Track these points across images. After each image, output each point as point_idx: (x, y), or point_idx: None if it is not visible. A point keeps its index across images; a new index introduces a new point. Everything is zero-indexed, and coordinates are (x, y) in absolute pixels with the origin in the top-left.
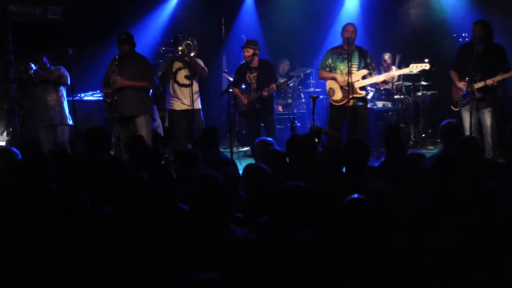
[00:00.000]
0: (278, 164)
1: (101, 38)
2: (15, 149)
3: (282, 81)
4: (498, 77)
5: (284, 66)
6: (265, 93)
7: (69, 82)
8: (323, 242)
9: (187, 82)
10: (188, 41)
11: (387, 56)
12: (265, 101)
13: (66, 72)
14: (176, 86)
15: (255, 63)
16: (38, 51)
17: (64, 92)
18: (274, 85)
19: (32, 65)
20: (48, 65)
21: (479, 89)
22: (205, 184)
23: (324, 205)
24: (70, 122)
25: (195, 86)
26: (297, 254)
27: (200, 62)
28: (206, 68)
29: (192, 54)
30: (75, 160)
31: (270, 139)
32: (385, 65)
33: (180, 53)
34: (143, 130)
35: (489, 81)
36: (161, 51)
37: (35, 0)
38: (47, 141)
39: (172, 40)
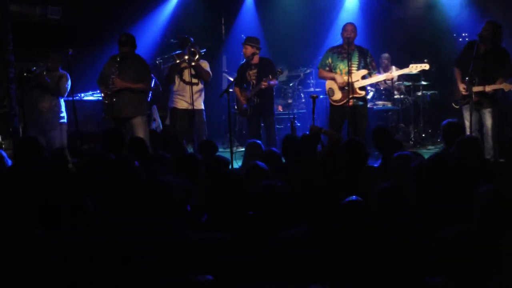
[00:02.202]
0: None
1: (101, 38)
2: (3, 152)
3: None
4: (495, 86)
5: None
6: (264, 84)
7: (65, 93)
8: (314, 241)
9: (192, 80)
10: (193, 49)
11: (386, 56)
12: (264, 97)
13: (69, 81)
14: (181, 83)
15: (255, 60)
16: (54, 52)
17: (60, 99)
18: (270, 75)
19: (34, 69)
20: (60, 68)
21: (476, 93)
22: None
23: (321, 206)
24: (64, 120)
25: (200, 85)
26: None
27: (206, 65)
28: (210, 73)
29: (194, 61)
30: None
31: (259, 142)
32: (383, 64)
33: (186, 60)
34: (140, 130)
35: (487, 88)
36: (170, 41)
37: (35, 0)
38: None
39: (172, 40)
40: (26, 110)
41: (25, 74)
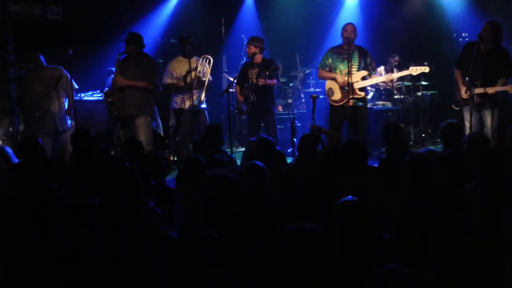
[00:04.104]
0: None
1: (101, 38)
2: (8, 149)
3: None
4: (499, 88)
5: None
6: (261, 80)
7: (75, 85)
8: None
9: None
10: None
11: (395, 58)
12: (262, 96)
13: (65, 71)
14: (183, 86)
15: (258, 60)
16: (33, 50)
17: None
18: (267, 72)
19: None
20: (45, 64)
21: (478, 95)
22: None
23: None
24: (69, 122)
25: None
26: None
27: (207, 72)
28: (211, 79)
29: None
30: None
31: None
32: (391, 64)
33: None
34: (142, 130)
35: (490, 90)
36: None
37: (35, 0)
38: (47, 147)
39: (172, 40)
40: (36, 113)
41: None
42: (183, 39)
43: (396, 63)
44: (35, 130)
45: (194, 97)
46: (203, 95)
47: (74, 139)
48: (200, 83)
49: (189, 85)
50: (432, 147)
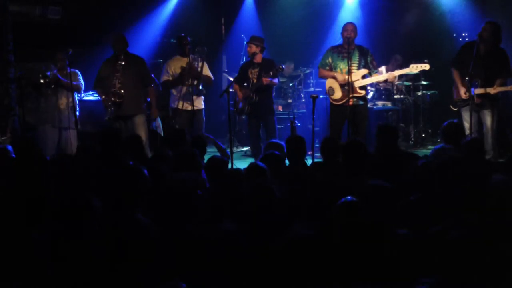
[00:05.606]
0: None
1: (101, 38)
2: (10, 147)
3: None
4: (500, 88)
5: (288, 68)
6: (266, 80)
7: (81, 89)
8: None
9: (191, 82)
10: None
11: (398, 61)
12: (262, 96)
13: (80, 76)
14: (181, 86)
15: (258, 59)
16: (60, 50)
17: (76, 96)
18: (270, 72)
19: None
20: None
21: (478, 95)
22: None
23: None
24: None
25: (199, 86)
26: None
27: (206, 68)
28: (212, 77)
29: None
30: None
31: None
32: (395, 64)
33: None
34: (141, 129)
35: (492, 90)
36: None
37: (35, 0)
38: (52, 140)
39: (172, 40)
40: (43, 106)
41: (41, 81)
42: (181, 38)
43: (399, 66)
44: (42, 121)
45: (195, 97)
46: (200, 86)
47: (101, 139)
48: (195, 72)
49: (181, 77)
50: (431, 147)
